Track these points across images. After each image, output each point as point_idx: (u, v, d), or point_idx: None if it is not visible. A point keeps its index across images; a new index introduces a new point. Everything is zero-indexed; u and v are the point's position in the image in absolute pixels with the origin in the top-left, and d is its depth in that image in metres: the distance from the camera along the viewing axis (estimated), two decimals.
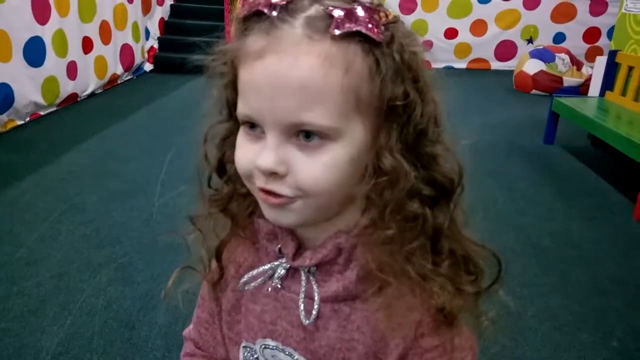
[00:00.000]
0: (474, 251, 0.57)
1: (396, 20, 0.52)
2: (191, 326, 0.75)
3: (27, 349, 1.74)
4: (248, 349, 0.65)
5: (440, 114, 0.54)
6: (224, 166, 0.59)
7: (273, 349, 0.62)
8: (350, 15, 0.48)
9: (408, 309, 0.54)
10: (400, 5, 7.73)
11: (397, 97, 0.50)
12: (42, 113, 4.59)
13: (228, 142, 0.58)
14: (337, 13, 0.48)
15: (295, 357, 0.60)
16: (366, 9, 0.49)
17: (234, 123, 0.56)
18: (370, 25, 0.48)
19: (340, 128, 0.49)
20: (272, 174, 0.50)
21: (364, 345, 0.56)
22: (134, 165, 3.47)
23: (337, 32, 0.47)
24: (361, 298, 0.56)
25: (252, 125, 0.52)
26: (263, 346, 0.63)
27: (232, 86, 0.54)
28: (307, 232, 0.58)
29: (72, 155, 3.66)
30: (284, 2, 0.49)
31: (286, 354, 0.61)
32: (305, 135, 0.49)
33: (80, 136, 4.04)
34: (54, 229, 2.56)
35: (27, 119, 4.41)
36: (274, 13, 0.49)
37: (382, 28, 0.49)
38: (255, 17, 0.50)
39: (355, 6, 0.49)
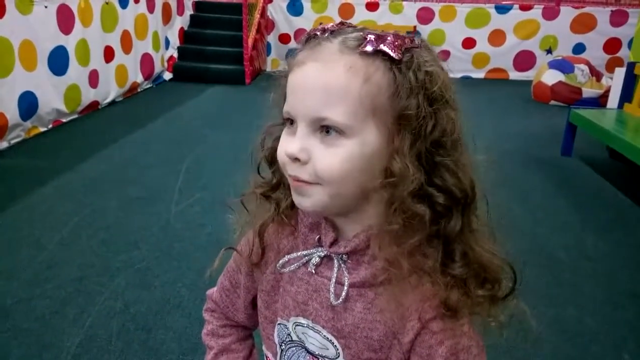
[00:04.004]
0: (489, 260, 0.63)
1: (422, 46, 0.61)
2: (215, 288, 0.84)
3: (49, 350, 1.80)
4: (282, 325, 0.73)
5: (456, 130, 0.61)
6: (274, 158, 0.67)
7: (304, 326, 0.70)
8: (379, 38, 0.59)
9: (419, 297, 0.61)
10: (418, 16, 7.79)
11: (409, 108, 0.58)
12: (64, 120, 4.71)
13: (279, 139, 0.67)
14: (370, 37, 0.59)
15: (324, 334, 0.68)
16: (396, 36, 0.60)
17: (284, 124, 0.65)
18: (393, 47, 0.58)
19: (354, 127, 0.58)
20: (296, 160, 0.60)
21: (384, 325, 0.63)
22: (152, 173, 3.54)
23: (364, 49, 0.58)
24: (384, 284, 0.63)
25: (292, 122, 0.61)
26: (295, 324, 0.71)
27: (285, 95, 0.64)
28: (342, 225, 0.66)
29: (93, 162, 3.75)
30: (334, 29, 0.62)
31: (315, 331, 0.69)
32: (326, 130, 0.58)
33: (100, 143, 4.13)
34: (75, 234, 2.63)
35: (50, 125, 4.52)
36: (324, 35, 0.61)
37: (405, 50, 0.59)
38: (310, 39, 0.63)
39: (388, 34, 0.60)
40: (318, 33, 0.62)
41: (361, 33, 0.60)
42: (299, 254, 0.69)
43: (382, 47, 0.58)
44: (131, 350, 1.81)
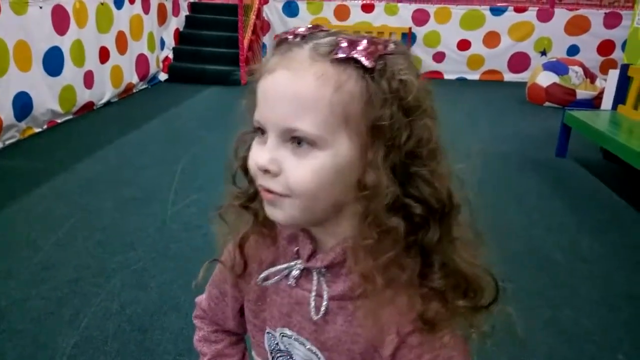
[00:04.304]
0: (469, 269, 0.61)
1: (397, 52, 0.58)
2: (203, 295, 0.83)
3: (44, 351, 1.79)
4: (270, 334, 0.72)
5: (432, 139, 0.58)
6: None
7: (290, 337, 0.69)
8: (352, 44, 0.56)
9: (395, 311, 0.60)
10: (413, 17, 7.80)
11: (382, 118, 0.55)
12: (59, 121, 4.70)
13: None
14: (343, 43, 0.56)
15: (308, 346, 0.67)
16: (370, 41, 0.57)
17: (256, 132, 0.63)
18: (366, 54, 0.55)
19: (326, 138, 0.56)
20: (267, 172, 0.58)
21: (365, 338, 0.62)
22: (148, 174, 3.53)
23: (336, 56, 0.55)
24: (362, 298, 0.61)
25: (263, 131, 0.59)
26: (282, 334, 0.70)
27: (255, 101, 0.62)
28: (320, 236, 0.65)
29: (88, 162, 3.74)
30: (306, 33, 0.59)
31: (300, 343, 0.68)
32: (297, 141, 0.56)
33: (96, 144, 4.12)
34: (70, 235, 2.62)
35: (45, 126, 4.51)
36: (295, 40, 0.59)
37: (377, 57, 0.56)
38: (281, 43, 0.60)
39: (362, 39, 0.57)
40: (289, 37, 0.59)
41: (334, 38, 0.57)
42: (278, 267, 0.68)
43: (354, 54, 0.55)
44: (127, 351, 1.80)
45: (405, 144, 0.56)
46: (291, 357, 0.70)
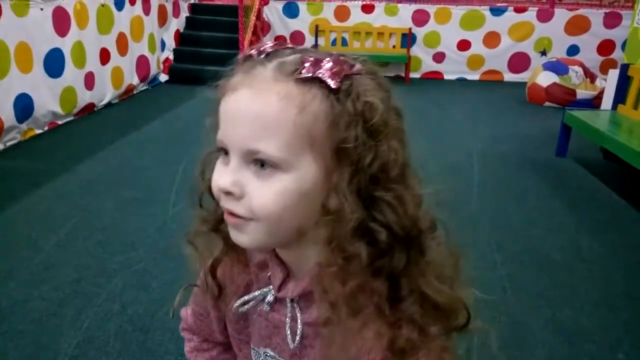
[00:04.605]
0: (441, 297, 0.58)
1: (365, 72, 0.57)
2: (188, 311, 0.83)
3: (46, 351, 1.80)
4: (255, 350, 0.72)
5: (398, 163, 0.56)
6: None
7: (273, 358, 0.69)
8: (316, 63, 0.54)
9: (367, 336, 0.57)
10: (413, 18, 7.81)
11: (347, 140, 0.54)
12: (59, 122, 4.70)
13: None
14: (307, 62, 0.54)
15: None
16: (336, 60, 0.55)
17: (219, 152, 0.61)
18: (330, 74, 0.54)
19: (290, 160, 0.54)
20: (229, 194, 0.56)
21: None
22: (148, 174, 3.54)
23: (300, 75, 0.54)
24: (331, 325, 0.59)
25: (226, 152, 0.57)
26: (265, 353, 0.70)
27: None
28: (290, 261, 0.64)
29: (89, 164, 3.75)
30: (271, 50, 0.57)
31: None
32: (260, 163, 0.54)
33: (96, 145, 4.13)
34: (71, 236, 2.63)
35: (46, 128, 4.51)
36: (259, 57, 0.57)
37: (343, 78, 0.54)
38: (246, 60, 0.58)
39: (327, 58, 0.55)
40: (254, 54, 0.57)
41: (299, 56, 0.55)
42: (252, 295, 0.67)
43: (319, 73, 0.53)
44: (129, 351, 1.81)
45: (369, 167, 0.54)
46: None
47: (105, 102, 5.48)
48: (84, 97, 5.05)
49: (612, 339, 1.96)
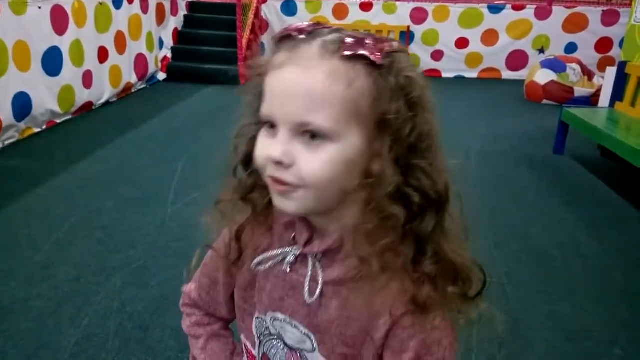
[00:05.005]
0: (459, 259, 0.64)
1: (400, 50, 0.61)
2: (192, 285, 0.85)
3: (46, 349, 1.80)
4: (260, 319, 0.74)
5: (433, 133, 0.62)
6: (250, 160, 0.67)
7: (282, 321, 0.71)
8: (359, 42, 0.59)
9: (389, 294, 0.63)
10: (411, 16, 7.81)
11: (389, 112, 0.59)
12: (58, 121, 4.70)
13: (255, 140, 0.67)
14: (349, 40, 0.59)
15: (301, 329, 0.69)
16: (375, 39, 0.60)
17: (261, 125, 0.65)
18: (373, 51, 0.58)
19: (339, 131, 0.58)
20: (279, 164, 0.59)
21: (358, 322, 0.65)
22: (147, 173, 3.54)
23: (345, 53, 0.58)
24: (357, 282, 0.64)
25: (271, 125, 0.61)
26: (273, 318, 0.72)
27: (260, 95, 0.63)
28: (318, 224, 0.67)
29: (88, 162, 3.75)
30: (310, 29, 0.61)
31: (292, 327, 0.70)
32: (310, 135, 0.58)
33: (95, 144, 4.13)
34: (70, 234, 2.63)
35: (44, 126, 4.51)
36: (300, 36, 0.60)
37: (385, 55, 0.59)
38: (285, 39, 0.62)
39: (367, 36, 0.60)
40: (293, 34, 0.61)
41: (338, 35, 0.59)
42: (273, 252, 0.70)
43: (363, 51, 0.58)
44: (128, 349, 1.82)
45: (408, 137, 0.59)
46: (282, 341, 0.72)
47: (103, 100, 5.47)
48: (82, 96, 5.05)
49: (609, 335, 1.97)
